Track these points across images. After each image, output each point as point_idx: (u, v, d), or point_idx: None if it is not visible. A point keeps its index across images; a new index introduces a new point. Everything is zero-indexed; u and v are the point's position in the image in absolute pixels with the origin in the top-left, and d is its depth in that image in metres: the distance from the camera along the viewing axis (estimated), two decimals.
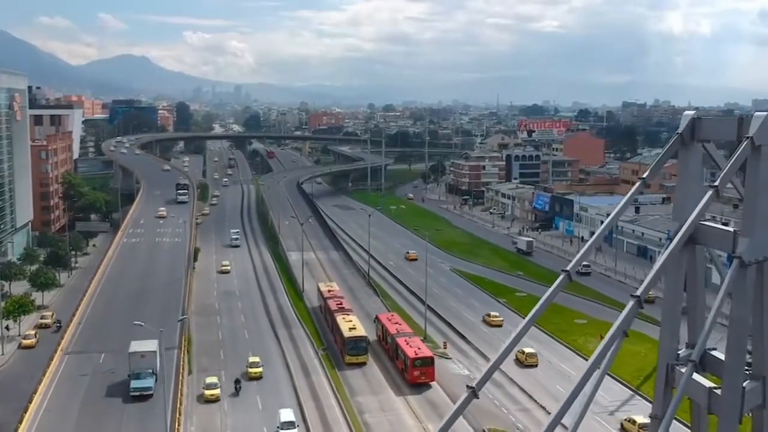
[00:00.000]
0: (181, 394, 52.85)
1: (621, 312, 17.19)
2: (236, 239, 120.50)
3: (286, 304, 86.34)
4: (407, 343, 61.87)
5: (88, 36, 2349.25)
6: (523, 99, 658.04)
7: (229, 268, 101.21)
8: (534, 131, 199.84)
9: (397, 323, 68.74)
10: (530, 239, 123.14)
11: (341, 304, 74.37)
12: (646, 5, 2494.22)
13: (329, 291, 79.82)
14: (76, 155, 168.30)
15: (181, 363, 57.67)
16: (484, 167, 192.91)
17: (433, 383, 59.67)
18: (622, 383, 60.62)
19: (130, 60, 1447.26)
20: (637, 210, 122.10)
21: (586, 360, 18.13)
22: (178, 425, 47.84)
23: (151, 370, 53.54)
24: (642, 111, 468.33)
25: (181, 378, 55.09)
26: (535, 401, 57.60)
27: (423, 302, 79.62)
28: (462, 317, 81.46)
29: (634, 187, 21.48)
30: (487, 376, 18.22)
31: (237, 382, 58.59)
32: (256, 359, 62.89)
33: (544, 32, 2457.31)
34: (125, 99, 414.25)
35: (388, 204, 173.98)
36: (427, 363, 60.02)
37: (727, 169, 19.04)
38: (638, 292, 17.61)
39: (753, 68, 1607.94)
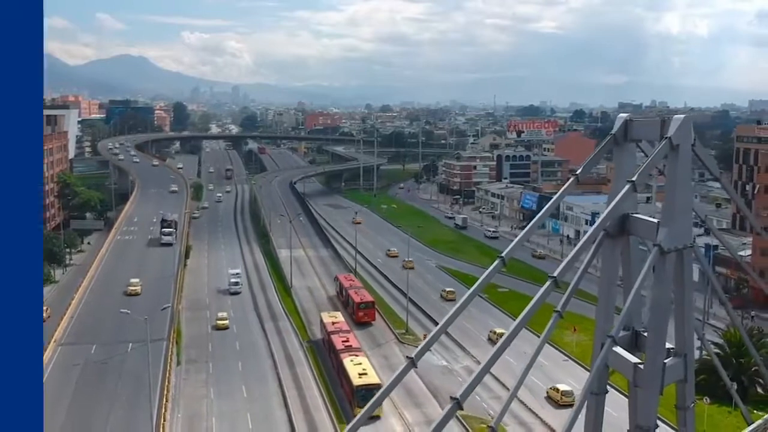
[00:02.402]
0: (169, 383, 55.06)
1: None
2: (236, 283, 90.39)
3: (275, 299, 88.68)
4: (355, 293, 79.76)
5: (86, 36, 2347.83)
6: (521, 99, 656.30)
7: (227, 322, 76.20)
8: (523, 132, 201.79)
9: (351, 280, 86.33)
10: (465, 216, 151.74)
11: (347, 341, 63.02)
12: (644, 6, 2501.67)
13: (333, 323, 68.82)
14: (71, 155, 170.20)
15: (170, 354, 59.91)
16: (475, 167, 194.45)
17: (374, 322, 77.18)
18: None
19: (128, 60, 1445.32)
20: None
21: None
22: (165, 411, 50.11)
23: None
24: (637, 112, 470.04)
25: (168, 368, 57.28)
26: (506, 387, 59.36)
27: (405, 296, 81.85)
28: (444, 311, 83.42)
29: (567, 183, 23.77)
30: (425, 348, 20.51)
31: None
32: None
33: (542, 33, 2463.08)
34: (122, 99, 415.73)
35: (380, 203, 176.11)
36: (369, 306, 77.87)
37: (645, 166, 21.34)
38: (555, 273, 19.97)
39: (750, 69, 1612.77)
